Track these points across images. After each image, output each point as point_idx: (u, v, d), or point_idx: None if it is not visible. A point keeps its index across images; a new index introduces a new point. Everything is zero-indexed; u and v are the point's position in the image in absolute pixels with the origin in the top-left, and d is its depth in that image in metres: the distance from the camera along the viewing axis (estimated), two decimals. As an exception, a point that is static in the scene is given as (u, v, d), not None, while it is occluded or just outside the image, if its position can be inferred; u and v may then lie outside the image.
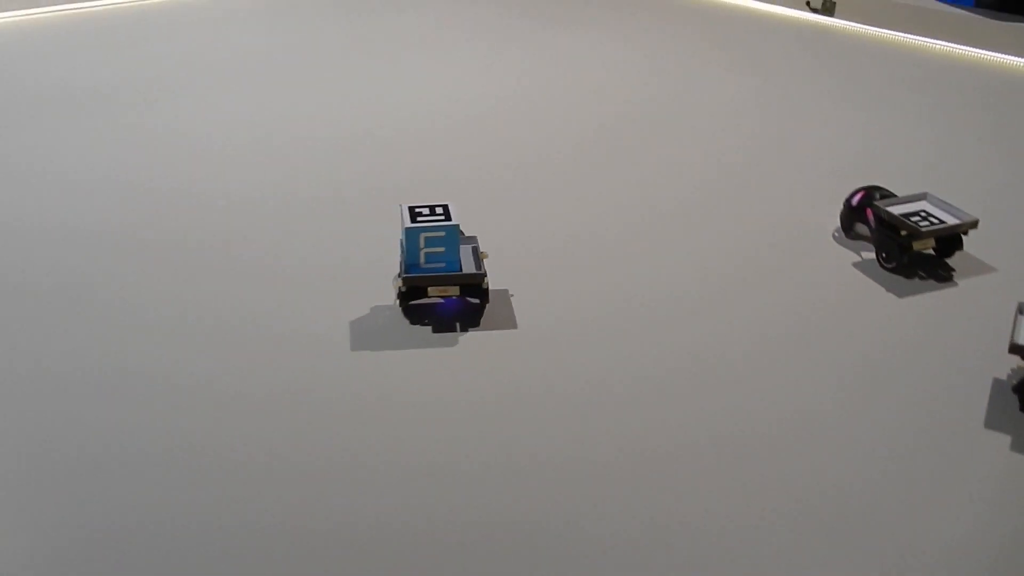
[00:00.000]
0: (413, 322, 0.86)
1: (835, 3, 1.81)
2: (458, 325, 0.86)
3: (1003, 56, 1.58)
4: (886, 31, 1.72)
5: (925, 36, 1.67)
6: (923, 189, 1.00)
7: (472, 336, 0.85)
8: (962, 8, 1.75)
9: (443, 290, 0.86)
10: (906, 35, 1.69)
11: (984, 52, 1.60)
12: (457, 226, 0.85)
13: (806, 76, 1.54)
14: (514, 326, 0.86)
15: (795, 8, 1.86)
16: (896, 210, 0.95)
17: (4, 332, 0.83)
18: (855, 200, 0.99)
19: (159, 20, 1.77)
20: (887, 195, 0.99)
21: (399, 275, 0.85)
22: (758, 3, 1.91)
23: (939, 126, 1.34)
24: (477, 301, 0.87)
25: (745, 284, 0.94)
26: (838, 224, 1.02)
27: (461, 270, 0.86)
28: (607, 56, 1.62)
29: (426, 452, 0.71)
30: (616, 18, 1.84)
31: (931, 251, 0.96)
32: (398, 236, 0.88)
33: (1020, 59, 1.57)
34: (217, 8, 1.84)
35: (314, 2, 1.93)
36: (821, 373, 0.80)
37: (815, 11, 1.83)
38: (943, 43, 1.65)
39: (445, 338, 0.84)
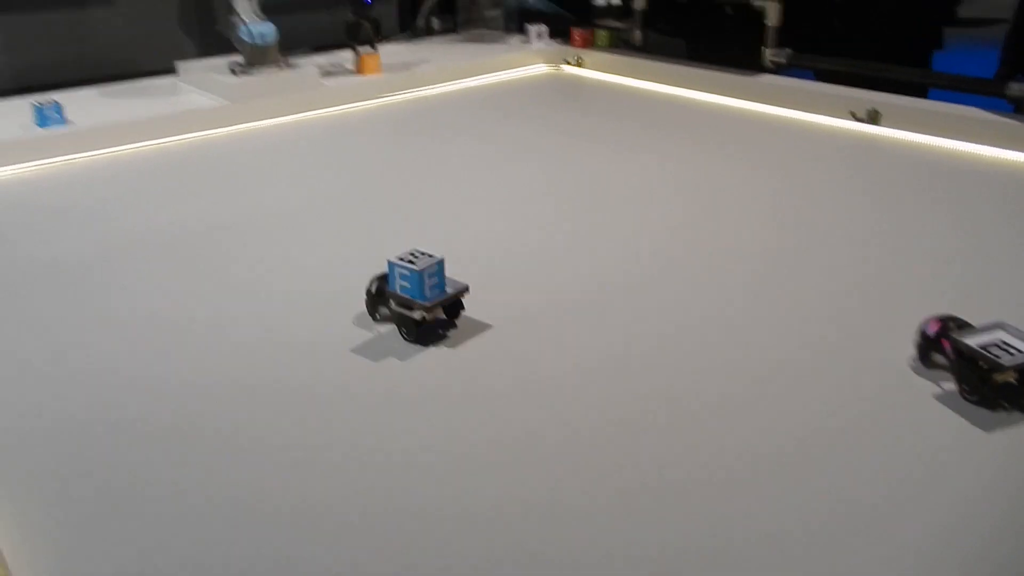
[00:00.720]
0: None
1: (880, 113, 1.85)
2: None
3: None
4: (935, 138, 1.76)
5: (976, 143, 1.71)
6: (993, 313, 1.02)
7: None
8: (1004, 115, 1.78)
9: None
10: (954, 141, 1.74)
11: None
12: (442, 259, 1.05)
13: (858, 191, 1.57)
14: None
15: (839, 118, 1.91)
16: (974, 341, 0.96)
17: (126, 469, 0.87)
18: (931, 331, 1.01)
19: (226, 152, 1.87)
20: (962, 324, 1.00)
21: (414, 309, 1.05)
22: (801, 113, 1.97)
23: (996, 240, 1.36)
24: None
25: (825, 423, 0.95)
26: (912, 353, 1.03)
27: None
28: (662, 175, 1.68)
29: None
30: (656, 134, 1.91)
31: (1012, 381, 0.97)
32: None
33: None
34: (258, 140, 1.94)
35: (370, 128, 2.03)
36: (910, 512, 0.80)
37: (860, 120, 1.88)
38: (991, 149, 1.69)
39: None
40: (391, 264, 1.07)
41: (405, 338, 1.08)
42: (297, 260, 1.36)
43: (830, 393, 0.99)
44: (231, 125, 1.98)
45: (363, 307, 1.13)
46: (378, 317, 1.12)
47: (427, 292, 1.05)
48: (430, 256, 1.06)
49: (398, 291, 1.06)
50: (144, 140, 1.89)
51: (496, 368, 1.05)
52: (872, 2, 2.48)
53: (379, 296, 1.11)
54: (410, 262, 1.05)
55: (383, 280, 1.10)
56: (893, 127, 1.83)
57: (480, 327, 1.13)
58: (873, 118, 1.86)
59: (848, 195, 1.57)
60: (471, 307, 1.13)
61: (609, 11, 2.54)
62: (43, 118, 1.86)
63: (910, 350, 1.03)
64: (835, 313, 1.17)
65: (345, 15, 2.24)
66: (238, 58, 2.10)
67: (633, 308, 1.19)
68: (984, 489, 0.84)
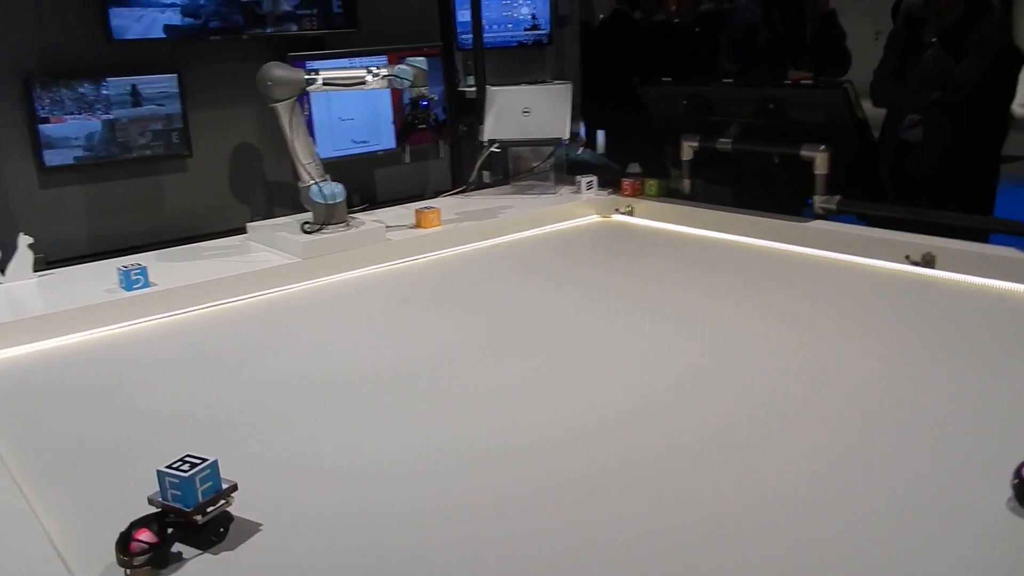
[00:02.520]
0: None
1: (935, 256, 1.90)
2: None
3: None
4: (990, 280, 1.80)
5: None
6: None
7: None
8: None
9: None
10: (1013, 284, 1.77)
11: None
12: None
13: (925, 334, 1.60)
14: None
15: (893, 261, 1.96)
16: (1073, 484, 0.96)
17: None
18: (1024, 473, 1.01)
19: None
20: (1058, 468, 1.01)
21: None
22: (854, 257, 2.02)
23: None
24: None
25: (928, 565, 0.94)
26: (1009, 495, 1.03)
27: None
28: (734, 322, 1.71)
29: None
30: (711, 280, 1.96)
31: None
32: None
33: None
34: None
35: (432, 281, 2.11)
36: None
37: (915, 264, 1.92)
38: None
39: None
40: None
41: None
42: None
43: (926, 534, 0.99)
44: (303, 281, 2.07)
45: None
46: None
47: None
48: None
49: None
50: (224, 298, 1.98)
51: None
52: (919, 153, 2.59)
53: None
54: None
55: None
56: (950, 270, 1.87)
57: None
58: (928, 262, 1.90)
59: (929, 342, 1.59)
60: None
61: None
62: (128, 282, 1.96)
63: (1007, 492, 1.03)
64: (927, 460, 1.17)
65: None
66: (306, 217, 2.22)
67: (723, 469, 1.21)
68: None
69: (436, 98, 3.14)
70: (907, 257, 1.94)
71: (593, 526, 1.05)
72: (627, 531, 1.04)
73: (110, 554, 0.99)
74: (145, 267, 1.97)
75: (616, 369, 1.52)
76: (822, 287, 1.88)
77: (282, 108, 2.15)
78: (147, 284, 1.95)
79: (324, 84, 2.16)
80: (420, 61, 2.15)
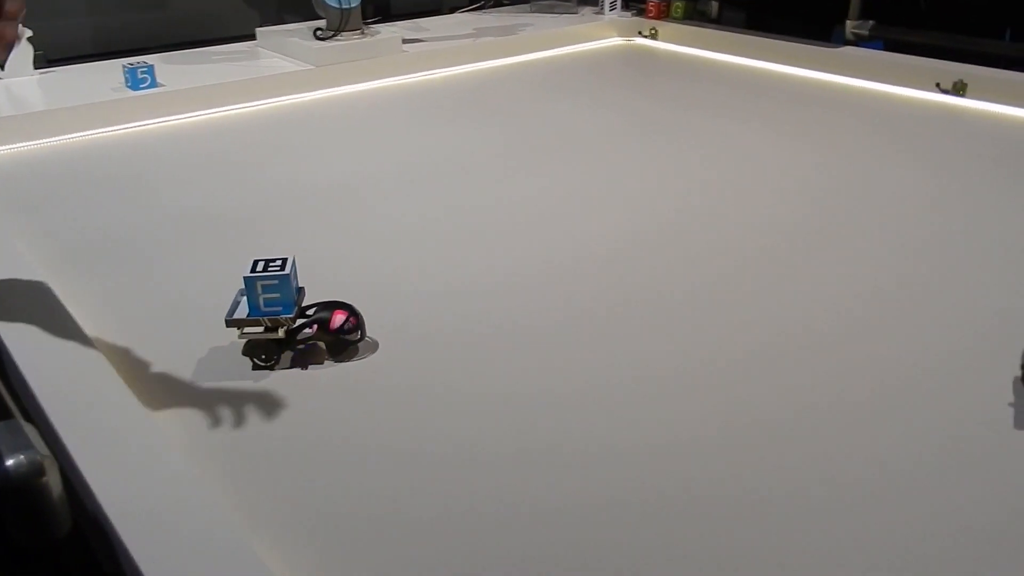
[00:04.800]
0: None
1: (966, 84, 1.84)
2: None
3: None
4: (1021, 110, 1.76)
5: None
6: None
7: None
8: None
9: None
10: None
11: None
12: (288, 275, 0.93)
13: (951, 163, 1.57)
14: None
15: (923, 90, 1.91)
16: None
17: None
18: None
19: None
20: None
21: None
22: (881, 84, 1.97)
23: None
24: None
25: (968, 373, 0.96)
26: (1030, 306, 1.04)
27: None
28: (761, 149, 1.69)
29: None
30: (735, 106, 1.92)
31: None
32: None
33: None
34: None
35: (449, 97, 2.05)
36: None
37: (945, 92, 1.88)
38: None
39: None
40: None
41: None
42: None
43: (962, 344, 1.01)
44: (317, 89, 2.02)
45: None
46: None
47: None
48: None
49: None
50: (232, 104, 1.93)
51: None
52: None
53: None
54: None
55: None
56: (980, 99, 1.82)
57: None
58: (959, 89, 1.85)
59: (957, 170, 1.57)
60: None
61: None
62: (135, 80, 1.90)
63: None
64: (946, 274, 1.18)
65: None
66: (319, 24, 2.14)
67: (740, 287, 1.21)
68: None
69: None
70: (937, 85, 1.88)
71: (593, 347, 1.07)
72: (627, 359, 1.06)
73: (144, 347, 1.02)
74: (152, 66, 1.91)
75: (629, 190, 1.51)
76: (848, 115, 1.84)
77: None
78: (155, 84, 1.90)
79: None
80: None
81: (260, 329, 0.95)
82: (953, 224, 1.31)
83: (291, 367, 0.97)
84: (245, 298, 0.96)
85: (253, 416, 0.88)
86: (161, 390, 0.92)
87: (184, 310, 1.09)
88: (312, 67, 2.04)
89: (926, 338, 1.01)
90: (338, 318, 0.97)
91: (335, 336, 0.97)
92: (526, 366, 0.97)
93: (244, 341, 0.96)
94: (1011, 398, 0.89)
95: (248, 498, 0.77)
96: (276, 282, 0.93)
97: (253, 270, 0.95)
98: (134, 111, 1.85)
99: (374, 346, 1.00)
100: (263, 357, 0.96)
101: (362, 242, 1.29)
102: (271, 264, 0.95)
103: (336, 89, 2.04)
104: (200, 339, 1.00)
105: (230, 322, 0.95)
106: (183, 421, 0.87)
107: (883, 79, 1.97)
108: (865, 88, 1.98)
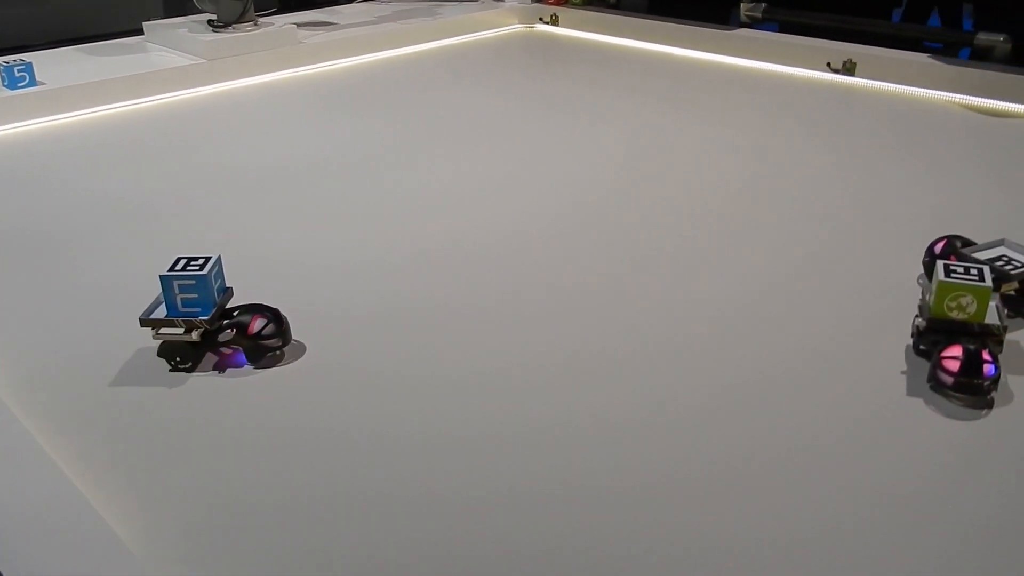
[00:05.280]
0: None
1: (855, 63, 1.90)
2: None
3: (999, 103, 1.68)
4: (907, 87, 1.82)
5: (940, 90, 1.77)
6: (982, 238, 1.06)
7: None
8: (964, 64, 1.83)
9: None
10: (926, 89, 1.79)
11: (988, 101, 1.70)
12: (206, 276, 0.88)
13: (842, 137, 1.62)
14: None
15: (815, 69, 1.95)
16: (980, 256, 1.00)
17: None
18: (938, 248, 1.05)
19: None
20: (967, 243, 1.04)
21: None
22: (775, 65, 2.01)
23: (972, 174, 1.41)
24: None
25: (848, 334, 0.99)
26: (921, 272, 1.07)
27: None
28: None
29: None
30: (633, 90, 1.93)
31: (1013, 292, 1.02)
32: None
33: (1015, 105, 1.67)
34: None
35: (348, 88, 2.01)
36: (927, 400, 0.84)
37: (836, 72, 1.93)
38: (956, 95, 1.75)
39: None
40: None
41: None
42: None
43: (848, 304, 1.04)
44: (209, 84, 1.95)
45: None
46: None
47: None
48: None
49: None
50: (119, 101, 1.85)
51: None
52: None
53: None
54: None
55: None
56: (869, 77, 1.88)
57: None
58: (849, 68, 1.91)
59: (839, 142, 1.61)
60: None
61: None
62: (12, 79, 1.81)
63: (919, 270, 1.08)
64: (845, 245, 1.21)
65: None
66: (207, 18, 2.07)
67: (627, 263, 1.22)
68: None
69: None
70: (828, 64, 1.93)
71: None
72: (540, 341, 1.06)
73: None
74: (30, 63, 1.81)
75: (537, 174, 1.50)
76: (745, 94, 1.87)
77: None
78: (34, 82, 1.81)
79: None
80: None
81: (179, 331, 0.90)
82: (849, 197, 1.34)
83: (213, 370, 0.92)
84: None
85: (155, 418, 0.84)
86: (68, 392, 0.89)
87: (80, 306, 1.04)
88: (203, 61, 1.97)
89: (824, 309, 1.04)
90: (257, 322, 0.92)
91: (253, 341, 0.92)
92: (433, 349, 0.96)
93: (159, 342, 0.91)
94: (904, 366, 0.92)
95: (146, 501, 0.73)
96: (194, 282, 0.88)
97: (173, 268, 0.89)
98: (12, 111, 1.75)
99: (300, 351, 0.96)
100: (178, 359, 0.92)
101: (267, 234, 1.26)
102: (192, 263, 0.90)
103: (230, 83, 1.97)
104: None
105: (144, 322, 0.90)
106: (83, 424, 0.83)
107: (777, 59, 2.01)
108: (760, 68, 2.02)
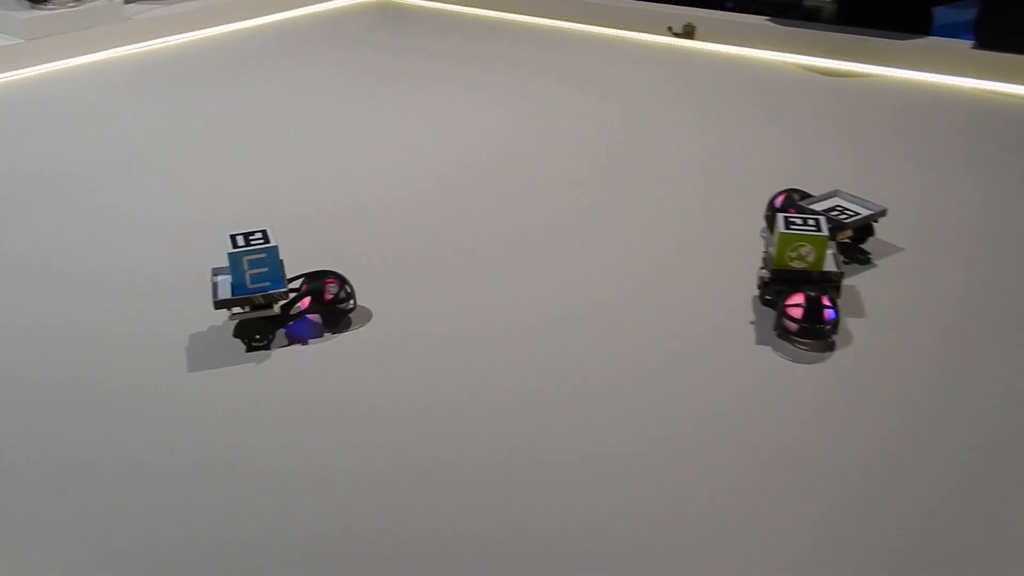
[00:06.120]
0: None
1: (695, 27, 1.96)
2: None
3: (830, 62, 1.78)
4: (745, 49, 1.90)
5: (778, 51, 1.86)
6: (820, 190, 1.12)
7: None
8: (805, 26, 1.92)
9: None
10: (762, 51, 1.87)
11: (830, 62, 1.80)
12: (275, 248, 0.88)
13: (685, 98, 1.67)
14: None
15: (657, 35, 2.00)
16: (816, 207, 1.06)
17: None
18: (777, 202, 1.10)
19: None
20: (804, 195, 1.10)
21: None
22: (619, 31, 2.05)
23: (809, 130, 1.49)
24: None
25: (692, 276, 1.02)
26: (764, 225, 1.12)
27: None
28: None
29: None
30: (481, 58, 1.93)
31: (848, 240, 1.08)
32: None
33: (851, 64, 1.77)
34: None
35: (181, 68, 1.91)
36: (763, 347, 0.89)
37: (677, 36, 1.98)
38: (791, 56, 1.84)
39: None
40: None
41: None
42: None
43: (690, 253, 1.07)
44: (29, 66, 1.81)
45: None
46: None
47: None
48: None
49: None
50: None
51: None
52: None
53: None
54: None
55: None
56: (707, 40, 1.94)
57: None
58: (689, 32, 1.96)
59: (681, 104, 1.65)
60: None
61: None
62: None
63: (762, 222, 1.12)
64: (688, 205, 1.25)
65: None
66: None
67: (469, 224, 1.22)
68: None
69: None
70: (669, 28, 1.99)
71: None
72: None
73: None
74: None
75: (389, 147, 1.48)
76: (592, 60, 1.89)
77: None
78: None
79: None
80: None
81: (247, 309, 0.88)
82: (694, 158, 1.39)
83: (288, 344, 0.91)
84: (222, 277, 0.89)
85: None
86: None
87: None
88: (21, 41, 1.82)
89: (674, 268, 1.07)
90: (330, 287, 0.92)
91: (330, 306, 0.92)
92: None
93: (234, 322, 0.89)
94: (752, 316, 0.96)
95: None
96: (264, 256, 0.87)
97: (234, 246, 0.87)
98: None
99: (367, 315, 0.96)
100: (257, 337, 0.89)
101: (85, 231, 1.18)
102: (251, 238, 0.88)
103: (52, 64, 1.83)
104: None
105: (220, 303, 0.87)
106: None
107: (620, 25, 2.05)
108: (605, 34, 2.05)
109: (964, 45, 1.72)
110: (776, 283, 0.95)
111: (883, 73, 1.75)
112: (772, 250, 0.95)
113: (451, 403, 0.83)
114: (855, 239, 1.08)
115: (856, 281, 1.02)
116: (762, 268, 0.97)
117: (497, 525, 0.69)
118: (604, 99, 1.65)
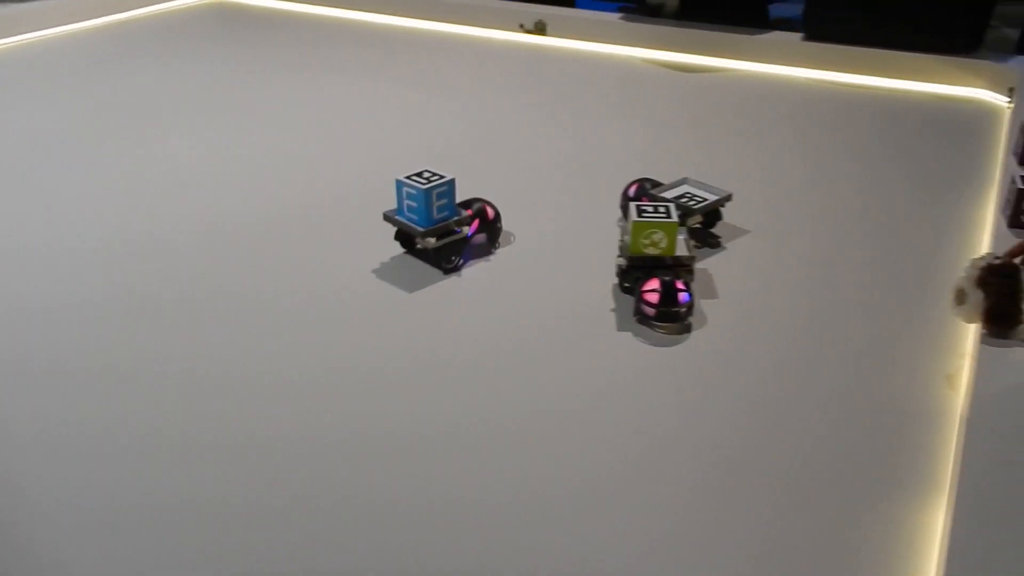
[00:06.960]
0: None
1: (546, 24, 1.99)
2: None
3: (675, 55, 1.85)
4: (596, 45, 1.94)
5: (627, 46, 1.91)
6: (670, 177, 1.16)
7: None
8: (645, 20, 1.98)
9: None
10: (612, 46, 1.93)
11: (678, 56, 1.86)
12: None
13: (539, 94, 1.69)
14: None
15: (509, 32, 2.02)
16: (667, 195, 1.09)
17: None
18: (631, 191, 1.13)
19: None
20: (656, 184, 1.13)
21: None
22: (471, 28, 2.05)
23: (658, 121, 1.54)
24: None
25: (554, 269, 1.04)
26: (620, 214, 1.15)
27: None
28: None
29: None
30: (328, 58, 1.90)
31: (698, 225, 1.12)
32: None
33: (702, 58, 1.85)
34: None
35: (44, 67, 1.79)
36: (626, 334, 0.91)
37: (528, 32, 2.01)
38: (640, 51, 1.90)
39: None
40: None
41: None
42: None
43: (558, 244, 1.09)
44: None
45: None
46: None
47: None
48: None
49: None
50: None
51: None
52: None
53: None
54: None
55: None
56: (558, 36, 1.98)
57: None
58: (540, 29, 1.99)
59: (535, 99, 1.67)
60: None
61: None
62: None
63: (618, 212, 1.15)
64: (549, 196, 1.26)
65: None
66: None
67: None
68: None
69: None
70: (521, 26, 2.01)
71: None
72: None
73: None
74: None
75: (227, 158, 1.43)
76: (447, 59, 1.89)
77: None
78: None
79: None
80: None
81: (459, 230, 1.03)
82: (552, 151, 1.41)
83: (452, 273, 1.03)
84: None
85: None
86: None
87: None
88: None
89: (536, 264, 1.08)
90: (488, 209, 1.07)
91: (493, 225, 1.07)
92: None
93: (433, 248, 1.01)
94: (612, 304, 0.98)
95: None
96: (445, 188, 1.01)
97: (404, 184, 1.00)
98: None
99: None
100: (454, 258, 1.02)
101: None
102: (417, 177, 1.00)
103: None
104: None
105: (428, 232, 1.00)
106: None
107: (474, 23, 2.06)
108: (457, 32, 2.05)
109: (795, 37, 1.82)
110: (633, 270, 0.97)
111: (725, 66, 1.83)
112: (627, 238, 0.97)
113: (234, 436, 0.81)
114: (705, 224, 1.12)
115: (708, 264, 1.06)
116: (619, 256, 1.00)
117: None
118: (455, 97, 1.65)
